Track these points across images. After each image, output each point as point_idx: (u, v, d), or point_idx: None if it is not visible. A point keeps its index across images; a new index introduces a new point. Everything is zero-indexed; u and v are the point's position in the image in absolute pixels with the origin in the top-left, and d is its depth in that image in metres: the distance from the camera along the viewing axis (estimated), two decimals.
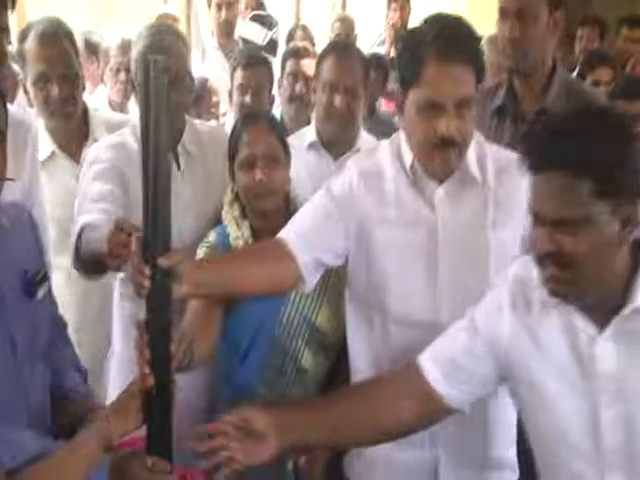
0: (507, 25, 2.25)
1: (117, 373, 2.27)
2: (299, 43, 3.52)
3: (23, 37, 2.36)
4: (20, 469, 1.33)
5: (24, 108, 2.75)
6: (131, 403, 1.39)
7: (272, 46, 4.46)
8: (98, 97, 3.73)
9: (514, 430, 1.76)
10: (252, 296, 1.79)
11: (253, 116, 2.10)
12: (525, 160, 1.36)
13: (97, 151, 2.15)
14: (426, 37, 1.61)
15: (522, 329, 1.47)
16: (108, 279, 2.30)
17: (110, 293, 2.31)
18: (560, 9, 2.27)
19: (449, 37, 1.60)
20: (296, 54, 2.94)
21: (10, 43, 2.26)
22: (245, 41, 4.25)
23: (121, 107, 3.63)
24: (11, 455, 1.34)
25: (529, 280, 1.46)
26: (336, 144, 2.44)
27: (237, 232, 1.96)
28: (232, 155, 2.00)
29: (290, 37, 4.56)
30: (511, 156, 1.57)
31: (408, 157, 1.71)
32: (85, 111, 2.46)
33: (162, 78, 1.34)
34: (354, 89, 2.40)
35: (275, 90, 3.01)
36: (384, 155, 1.76)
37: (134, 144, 2.11)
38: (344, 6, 6.55)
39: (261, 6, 5.03)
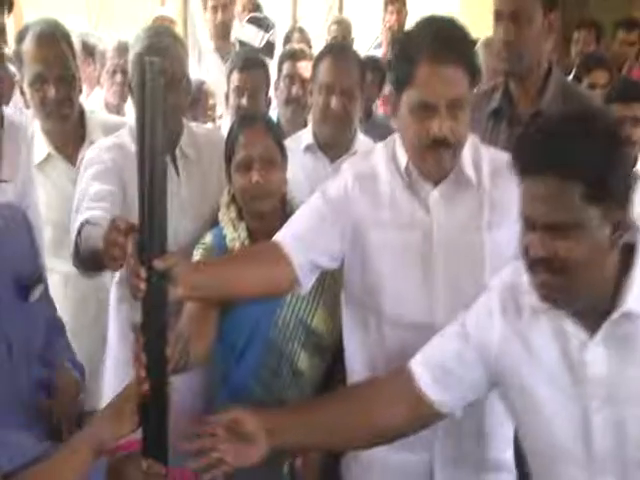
0: (502, 28, 2.25)
1: (113, 376, 2.27)
2: (296, 45, 3.52)
3: (20, 38, 2.35)
4: (17, 472, 1.33)
5: (20, 109, 2.75)
6: (126, 406, 1.39)
7: (269, 48, 4.45)
8: (94, 99, 3.73)
9: (511, 432, 1.76)
10: (248, 299, 1.79)
11: (250, 118, 2.10)
12: (517, 163, 1.36)
13: (96, 152, 2.16)
14: (418, 38, 1.62)
15: (513, 335, 1.47)
16: (104, 282, 2.31)
17: (106, 296, 2.31)
18: (555, 11, 2.27)
19: (441, 38, 1.60)
20: (293, 56, 2.95)
21: (7, 44, 2.26)
22: (242, 43, 4.24)
23: (117, 109, 3.63)
24: (8, 457, 1.34)
25: (519, 285, 1.46)
26: (333, 146, 2.44)
27: (233, 234, 1.96)
28: (229, 157, 2.00)
29: (287, 39, 4.56)
30: (507, 158, 1.57)
31: (403, 159, 1.71)
32: (82, 113, 2.46)
33: (158, 80, 1.34)
34: (350, 91, 2.40)
35: (272, 92, 3.01)
36: (379, 158, 1.76)
37: (132, 145, 2.11)
38: (341, 9, 6.56)
39: (258, 8, 5.02)
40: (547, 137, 1.34)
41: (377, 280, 1.72)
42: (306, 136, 2.48)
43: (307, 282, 1.72)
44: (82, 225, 1.89)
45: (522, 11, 2.22)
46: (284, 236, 1.72)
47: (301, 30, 4.79)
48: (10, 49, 2.45)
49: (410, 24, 1.74)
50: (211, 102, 3.60)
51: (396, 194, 1.72)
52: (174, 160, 2.19)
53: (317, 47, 3.81)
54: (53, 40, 2.33)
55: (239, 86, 2.90)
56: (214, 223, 2.04)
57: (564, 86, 2.34)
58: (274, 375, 1.93)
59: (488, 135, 2.25)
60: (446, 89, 1.59)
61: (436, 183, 1.70)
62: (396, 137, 1.74)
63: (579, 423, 1.41)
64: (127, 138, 2.16)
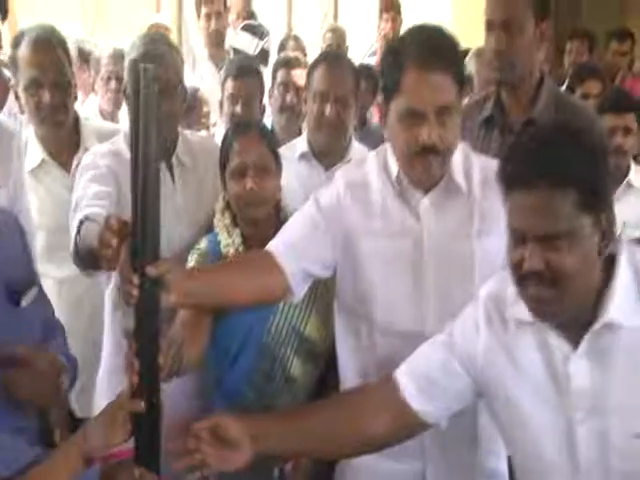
0: (493, 37, 2.25)
1: (106, 383, 2.26)
2: (290, 53, 3.53)
3: (16, 43, 2.36)
4: (13, 479, 1.33)
5: (15, 115, 2.75)
6: (119, 414, 1.39)
7: (263, 56, 4.47)
8: (89, 106, 3.73)
9: None
10: (241, 306, 1.79)
11: (244, 125, 2.11)
12: (506, 174, 1.36)
13: (91, 158, 2.16)
14: (406, 46, 1.63)
15: (498, 346, 1.47)
16: (98, 287, 2.30)
17: (100, 301, 2.30)
18: (547, 20, 2.27)
19: (428, 46, 1.61)
20: (287, 64, 2.95)
21: (2, 50, 2.26)
22: (236, 51, 4.25)
23: (111, 116, 3.63)
24: (6, 464, 1.34)
25: (505, 296, 1.46)
26: (327, 154, 2.45)
27: (228, 240, 1.96)
28: (223, 164, 2.01)
29: (282, 47, 4.56)
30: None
31: (394, 168, 1.71)
32: (76, 120, 2.46)
33: (152, 87, 1.34)
34: (344, 99, 2.41)
35: (266, 100, 3.02)
36: (371, 166, 1.77)
37: (127, 152, 2.10)
38: (336, 17, 6.58)
39: (252, 16, 5.04)
40: (538, 146, 1.35)
41: (368, 288, 1.72)
42: (301, 144, 2.49)
43: (299, 290, 1.73)
44: (81, 222, 1.89)
45: (513, 20, 2.22)
46: (277, 245, 1.72)
47: (296, 38, 4.80)
48: (5, 55, 2.45)
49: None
50: (205, 110, 3.60)
51: (387, 202, 1.72)
52: (170, 167, 2.20)
53: (312, 55, 3.81)
54: (49, 45, 2.33)
55: (233, 93, 2.91)
56: (209, 229, 2.05)
57: (556, 95, 2.35)
58: (267, 380, 1.93)
59: (480, 143, 2.25)
60: (434, 96, 1.60)
61: (426, 191, 1.70)
62: (388, 145, 1.74)
63: (563, 434, 1.41)
64: (122, 145, 2.16)
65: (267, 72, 3.23)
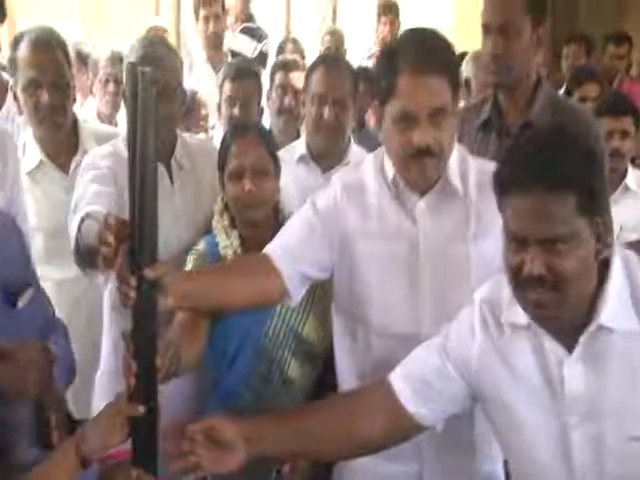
0: (490, 41, 2.26)
1: (105, 383, 2.26)
2: (289, 56, 3.54)
3: (16, 44, 2.36)
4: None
5: (13, 119, 2.75)
6: (116, 417, 1.39)
7: (262, 59, 4.47)
8: (87, 109, 3.74)
9: None
10: (238, 309, 1.79)
11: (242, 127, 2.11)
12: (504, 178, 1.36)
13: (91, 159, 2.17)
14: (400, 50, 1.63)
15: (493, 350, 1.48)
16: (97, 289, 2.30)
17: (99, 303, 2.30)
18: (543, 24, 2.28)
19: (422, 49, 1.61)
20: (285, 67, 2.96)
21: (0, 51, 2.26)
22: (234, 54, 4.25)
23: (110, 119, 3.63)
24: None
25: (500, 300, 1.47)
26: (326, 157, 2.45)
27: (226, 241, 1.97)
28: (222, 166, 2.01)
29: (280, 50, 4.57)
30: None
31: (390, 170, 1.71)
32: (75, 122, 2.46)
33: (150, 90, 1.34)
34: (343, 101, 2.41)
35: (264, 102, 3.02)
36: (368, 169, 1.77)
37: (126, 154, 2.12)
38: (334, 19, 6.59)
39: (251, 19, 5.04)
40: (535, 150, 1.35)
41: (364, 291, 1.72)
42: (299, 147, 2.49)
43: (297, 294, 1.73)
44: (82, 220, 1.89)
45: (510, 24, 2.23)
46: (274, 248, 1.72)
47: (294, 41, 4.80)
48: (3, 57, 2.45)
49: None
50: (203, 112, 3.61)
51: (383, 205, 1.72)
52: (169, 170, 2.20)
53: (310, 58, 3.82)
54: (48, 46, 2.33)
55: (231, 96, 2.91)
56: (208, 231, 2.05)
57: (553, 98, 2.36)
58: (264, 381, 1.93)
59: (477, 146, 2.26)
60: (428, 99, 1.60)
61: (422, 194, 1.70)
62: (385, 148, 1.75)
63: (558, 438, 1.42)
64: (122, 147, 2.16)
65: (265, 74, 3.24)
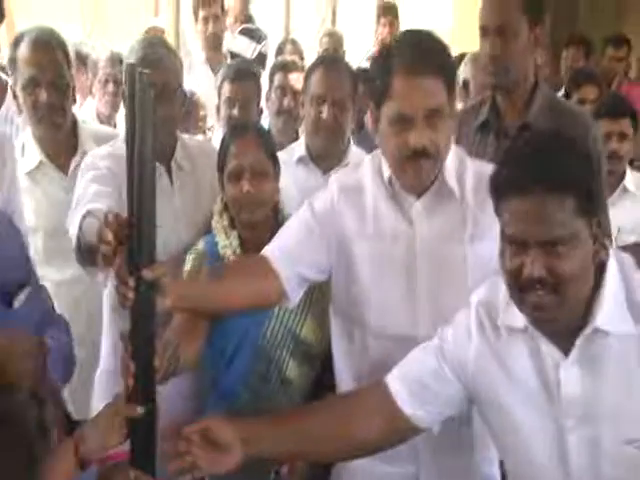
0: (488, 42, 2.26)
1: (104, 384, 2.26)
2: (288, 57, 3.54)
3: (16, 43, 2.36)
4: None
5: (11, 120, 2.75)
6: (115, 418, 1.39)
7: (261, 59, 4.48)
8: (86, 109, 3.74)
9: None
10: (236, 311, 1.78)
11: (241, 128, 2.11)
12: (503, 180, 1.35)
13: (91, 160, 2.17)
14: (394, 51, 1.64)
15: (489, 353, 1.48)
16: (96, 290, 2.30)
17: (99, 303, 2.31)
18: (541, 25, 2.29)
19: (416, 50, 1.61)
20: (284, 68, 2.96)
21: None
22: (233, 55, 4.25)
23: (109, 119, 3.64)
24: None
25: (496, 303, 1.47)
26: (325, 158, 2.45)
27: (225, 241, 1.97)
28: (221, 167, 2.01)
29: (279, 51, 4.57)
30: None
31: (387, 172, 1.71)
32: (74, 123, 2.46)
33: (148, 92, 1.35)
34: (342, 102, 2.41)
35: (263, 103, 3.02)
36: (366, 170, 1.77)
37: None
38: (334, 21, 6.59)
39: (250, 20, 5.05)
40: (533, 152, 1.35)
41: (361, 292, 1.73)
42: (298, 148, 2.49)
43: (295, 296, 1.73)
44: (83, 217, 1.89)
45: (508, 26, 2.23)
46: (272, 250, 1.73)
47: (293, 42, 4.81)
48: (2, 57, 2.45)
49: None
50: (202, 113, 3.61)
51: (380, 206, 1.73)
52: (169, 171, 2.20)
53: (309, 59, 3.82)
54: (48, 46, 2.34)
55: (230, 97, 2.91)
56: (207, 231, 2.06)
57: (551, 99, 2.37)
58: (263, 381, 1.93)
59: (475, 148, 2.26)
60: (423, 100, 1.60)
61: (419, 195, 1.70)
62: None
63: (555, 441, 1.42)
64: (121, 148, 2.16)
65: (264, 76, 3.24)
